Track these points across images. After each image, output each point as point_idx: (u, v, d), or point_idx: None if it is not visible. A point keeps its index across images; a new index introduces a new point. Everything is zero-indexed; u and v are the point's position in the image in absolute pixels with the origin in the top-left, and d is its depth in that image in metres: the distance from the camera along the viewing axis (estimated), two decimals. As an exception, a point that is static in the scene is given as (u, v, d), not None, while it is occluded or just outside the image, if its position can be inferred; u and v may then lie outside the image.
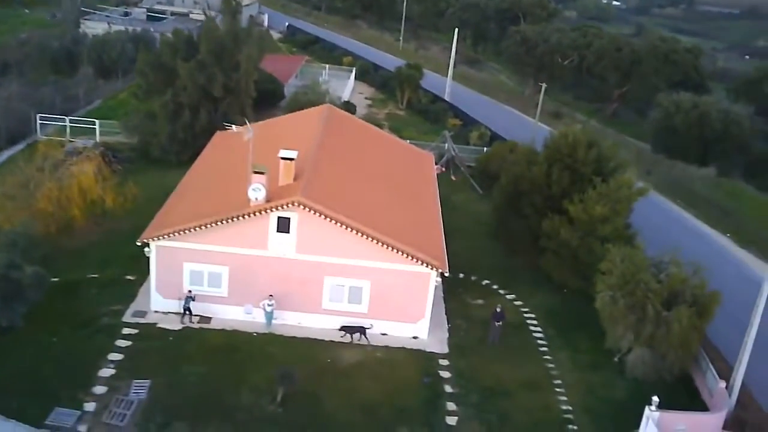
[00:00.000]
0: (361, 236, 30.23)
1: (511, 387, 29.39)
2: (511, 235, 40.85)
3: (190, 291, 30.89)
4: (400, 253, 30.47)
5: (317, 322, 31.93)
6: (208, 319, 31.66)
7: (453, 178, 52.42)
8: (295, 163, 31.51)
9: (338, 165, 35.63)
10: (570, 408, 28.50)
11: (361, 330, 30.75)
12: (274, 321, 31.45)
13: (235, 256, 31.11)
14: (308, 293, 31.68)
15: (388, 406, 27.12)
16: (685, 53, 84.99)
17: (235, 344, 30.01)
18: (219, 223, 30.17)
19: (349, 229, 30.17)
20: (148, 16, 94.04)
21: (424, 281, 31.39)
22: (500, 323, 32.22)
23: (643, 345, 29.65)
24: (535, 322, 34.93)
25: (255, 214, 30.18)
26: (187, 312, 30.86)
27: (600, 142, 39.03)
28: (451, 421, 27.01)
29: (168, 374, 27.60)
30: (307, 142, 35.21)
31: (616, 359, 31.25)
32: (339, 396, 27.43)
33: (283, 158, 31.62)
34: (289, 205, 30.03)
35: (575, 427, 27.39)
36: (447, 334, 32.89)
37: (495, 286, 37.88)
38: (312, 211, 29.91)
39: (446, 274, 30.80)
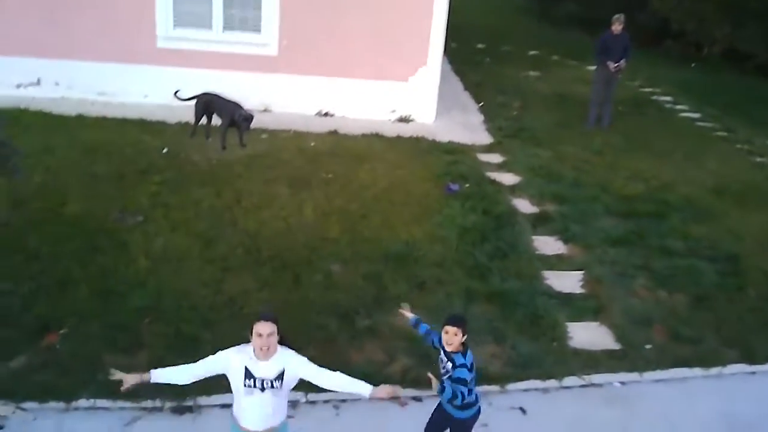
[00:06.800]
0: None
1: (699, 197, 10.50)
2: None
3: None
4: None
5: (151, 83, 12.62)
6: None
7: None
8: None
9: None
10: None
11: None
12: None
13: None
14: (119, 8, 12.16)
15: (367, 257, 8.59)
16: None
17: None
18: None
19: None
20: None
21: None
22: (618, 66, 13.15)
23: None
24: (668, 98, 16.03)
25: None
26: None
27: None
28: (562, 277, 8.03)
29: None
30: None
31: None
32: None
33: None
34: None
35: None
36: (481, 117, 13.68)
37: (555, 57, 18.88)
38: None
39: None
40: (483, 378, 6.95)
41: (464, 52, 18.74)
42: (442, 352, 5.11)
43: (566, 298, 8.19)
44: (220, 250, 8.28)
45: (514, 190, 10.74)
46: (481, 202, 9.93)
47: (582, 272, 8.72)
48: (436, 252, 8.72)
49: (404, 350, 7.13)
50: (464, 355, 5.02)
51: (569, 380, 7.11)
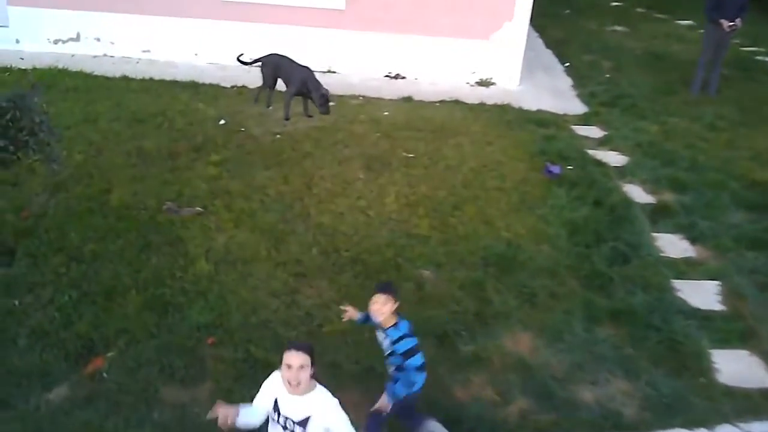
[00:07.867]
0: None
1: None
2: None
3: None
4: None
5: (202, 40, 11.46)
6: None
7: None
8: None
9: None
10: None
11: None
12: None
13: None
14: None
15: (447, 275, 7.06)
16: None
17: None
18: None
19: None
20: None
21: None
22: (733, 26, 11.39)
23: None
24: (775, 59, 14.34)
25: None
26: None
27: None
28: (695, 288, 6.82)
29: None
30: None
31: None
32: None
33: None
34: None
35: None
36: (569, 81, 12.11)
37: (639, 9, 17.05)
38: None
39: None
40: (616, 425, 5.68)
41: (541, 3, 16.96)
42: (379, 331, 4.77)
43: (705, 318, 6.79)
44: (292, 250, 7.04)
45: (623, 173, 9.24)
46: (589, 189, 8.51)
47: (717, 282, 7.29)
48: (545, 254, 7.37)
49: (519, 386, 5.89)
50: (397, 327, 4.68)
51: (723, 429, 5.79)
